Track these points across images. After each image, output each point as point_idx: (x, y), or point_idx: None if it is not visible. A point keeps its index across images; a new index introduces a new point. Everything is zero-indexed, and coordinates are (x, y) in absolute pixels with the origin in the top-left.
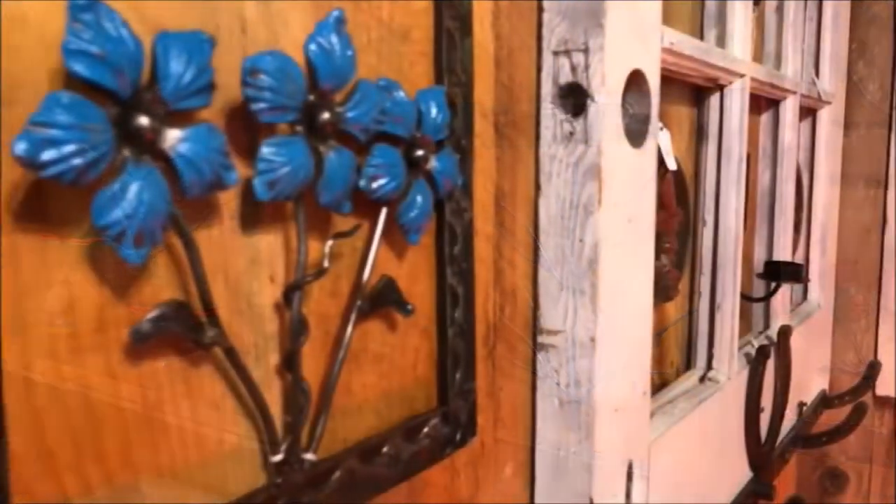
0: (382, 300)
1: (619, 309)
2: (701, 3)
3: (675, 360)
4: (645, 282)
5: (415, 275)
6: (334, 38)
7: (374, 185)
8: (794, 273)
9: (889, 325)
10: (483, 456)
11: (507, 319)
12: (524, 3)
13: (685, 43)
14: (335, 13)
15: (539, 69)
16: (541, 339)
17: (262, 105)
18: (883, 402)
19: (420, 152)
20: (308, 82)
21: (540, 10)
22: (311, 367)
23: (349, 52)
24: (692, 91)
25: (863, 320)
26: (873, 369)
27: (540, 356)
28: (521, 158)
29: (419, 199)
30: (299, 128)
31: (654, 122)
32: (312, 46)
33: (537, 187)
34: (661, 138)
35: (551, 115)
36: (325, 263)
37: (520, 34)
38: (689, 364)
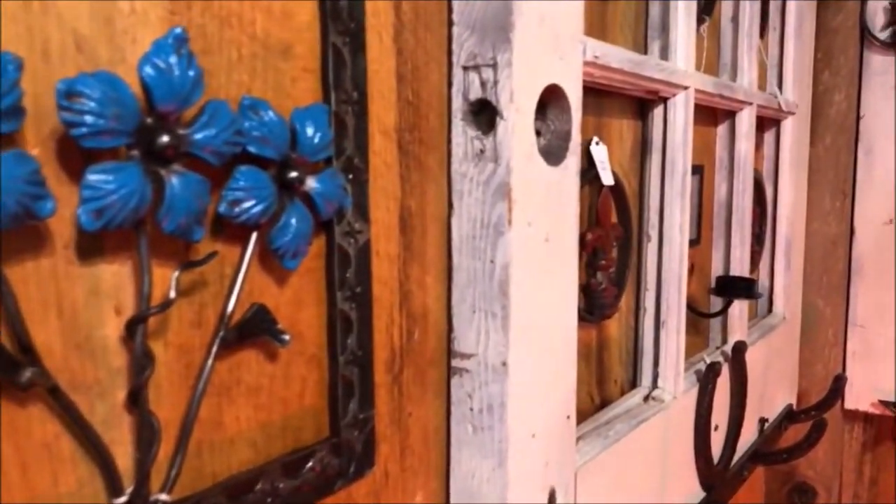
0: (253, 329)
1: (536, 331)
2: (645, 14)
3: (619, 378)
4: (566, 302)
5: (300, 301)
6: (173, 59)
7: (237, 209)
8: (746, 289)
9: (857, 339)
10: (387, 486)
11: (417, 343)
12: (433, 16)
13: (613, 55)
14: (174, 31)
15: (450, 84)
16: (455, 362)
17: (83, 130)
18: (852, 415)
19: (294, 174)
20: (145, 104)
21: (450, 23)
22: (172, 401)
23: (192, 73)
24: (635, 103)
25: (830, 333)
26: (839, 382)
27: (454, 381)
28: (430, 177)
29: (294, 222)
30: (134, 152)
31: (576, 139)
32: (147, 68)
33: (450, 206)
34: (597, 152)
35: (462, 133)
36: (172, 294)
37: (427, 49)
38: (635, 382)
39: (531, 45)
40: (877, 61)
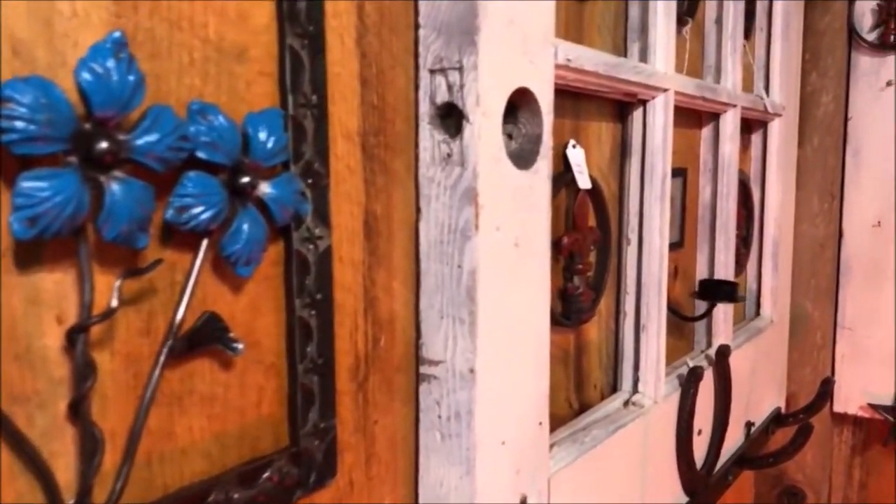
0: (204, 338)
1: (505, 337)
2: (624, 16)
3: (598, 382)
4: (538, 308)
5: (257, 308)
6: (111, 63)
7: (184, 216)
8: (728, 292)
9: (846, 341)
10: (352, 495)
11: (383, 350)
12: (398, 19)
13: (586, 58)
14: (113, 35)
15: (416, 88)
16: (423, 369)
17: (13, 136)
18: (841, 418)
19: (246, 179)
20: (83, 110)
21: (416, 26)
22: (119, 411)
23: (132, 77)
24: (615, 106)
25: (819, 336)
26: (828, 386)
27: (422, 388)
28: (397, 181)
29: (246, 228)
30: (72, 158)
31: (547, 142)
32: (84, 73)
33: (417, 211)
34: (573, 156)
35: (429, 136)
36: (114, 303)
37: (392, 51)
38: (615, 387)
39: (498, 48)
40: (864, 62)
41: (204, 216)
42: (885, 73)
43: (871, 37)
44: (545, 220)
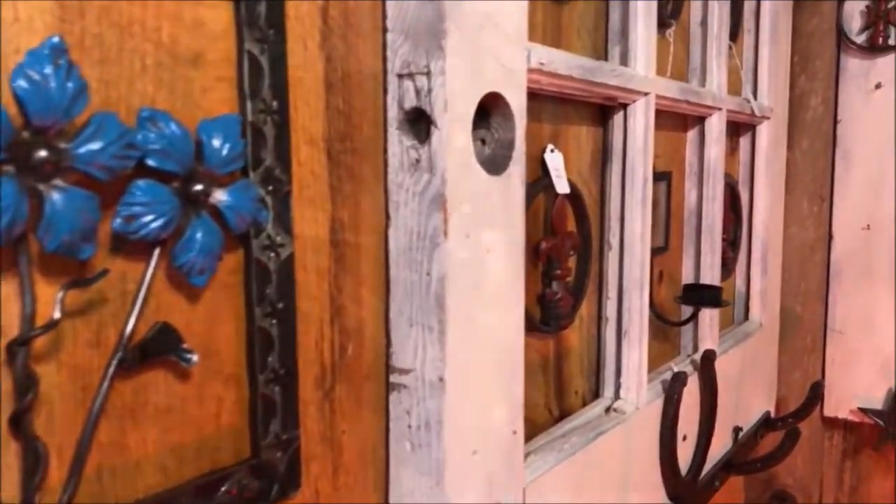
0: (156, 349)
1: (476, 345)
2: (605, 19)
3: (580, 389)
4: (511, 315)
5: (215, 318)
6: (49, 69)
7: (133, 224)
8: (712, 297)
9: (836, 345)
10: None
11: (351, 359)
12: (365, 22)
13: (561, 62)
14: (50, 41)
15: (385, 92)
16: (393, 378)
17: None
18: (832, 423)
19: (199, 187)
20: (21, 118)
21: (384, 30)
22: (66, 424)
23: (71, 84)
24: (595, 110)
25: (809, 339)
26: (818, 389)
27: (392, 396)
28: (365, 187)
29: (199, 236)
30: (9, 168)
31: (520, 147)
32: (20, 80)
33: (387, 217)
34: (551, 160)
35: (398, 142)
36: (56, 314)
37: (358, 56)
38: (597, 393)
39: (468, 52)
40: (854, 65)
41: (154, 225)
42: (874, 75)
43: (861, 39)
44: (519, 227)
